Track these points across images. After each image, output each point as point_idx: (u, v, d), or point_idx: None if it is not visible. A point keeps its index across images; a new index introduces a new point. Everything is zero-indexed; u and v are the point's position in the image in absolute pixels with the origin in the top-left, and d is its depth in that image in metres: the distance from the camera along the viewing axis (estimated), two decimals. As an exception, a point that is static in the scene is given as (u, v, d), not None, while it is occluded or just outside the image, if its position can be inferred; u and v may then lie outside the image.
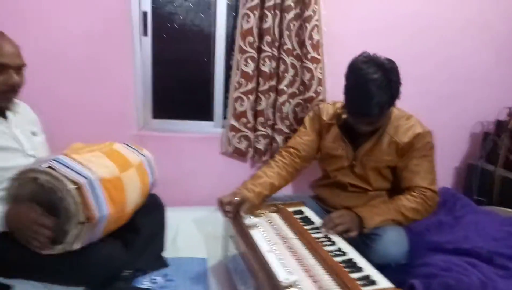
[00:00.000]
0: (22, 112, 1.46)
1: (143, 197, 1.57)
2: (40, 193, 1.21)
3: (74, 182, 1.21)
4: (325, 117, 1.69)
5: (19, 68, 1.32)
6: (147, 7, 2.01)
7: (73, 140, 1.59)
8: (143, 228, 1.52)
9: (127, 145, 1.67)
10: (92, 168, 1.31)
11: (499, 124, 2.19)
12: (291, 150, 1.71)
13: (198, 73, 2.21)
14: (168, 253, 1.62)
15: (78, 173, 1.25)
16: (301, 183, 2.00)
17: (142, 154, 1.67)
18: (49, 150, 1.54)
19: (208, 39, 2.14)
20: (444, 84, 2.28)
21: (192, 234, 1.83)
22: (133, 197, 1.46)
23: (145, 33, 2.05)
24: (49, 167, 1.21)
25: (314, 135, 1.71)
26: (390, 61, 1.44)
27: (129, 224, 1.48)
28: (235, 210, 1.47)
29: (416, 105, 2.17)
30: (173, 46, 2.15)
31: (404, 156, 1.55)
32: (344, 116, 1.61)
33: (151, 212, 1.61)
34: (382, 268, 1.35)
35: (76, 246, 1.21)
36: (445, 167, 2.40)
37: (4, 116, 1.36)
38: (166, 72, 2.17)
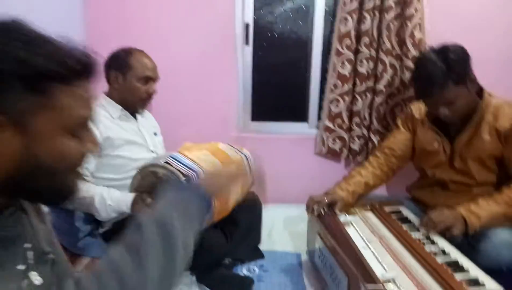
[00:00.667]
0: (147, 116, 1.74)
1: (243, 193, 1.69)
2: (158, 185, 1.41)
3: (185, 175, 1.37)
4: (417, 116, 1.65)
5: (156, 80, 1.61)
6: (249, 19, 2.16)
7: (184, 141, 1.81)
8: (241, 221, 1.64)
9: (230, 145, 1.83)
10: (200, 163, 1.48)
11: None
12: (386, 150, 1.69)
13: (294, 77, 2.30)
14: (264, 246, 1.72)
15: (189, 168, 1.42)
16: (398, 187, 1.93)
17: (242, 153, 1.81)
18: (165, 149, 1.77)
19: (306, 44, 2.21)
20: None
21: (286, 230, 1.91)
22: (235, 192, 1.58)
23: (247, 43, 2.20)
24: (166, 162, 1.40)
25: (408, 133, 1.67)
26: (455, 45, 1.42)
27: (230, 217, 1.61)
28: (319, 210, 1.49)
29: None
30: (272, 53, 2.26)
31: (509, 143, 1.42)
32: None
33: (248, 207, 1.73)
34: (491, 272, 1.26)
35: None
36: None
37: (135, 118, 1.65)
38: (264, 78, 2.29)
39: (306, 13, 2.19)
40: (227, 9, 2.08)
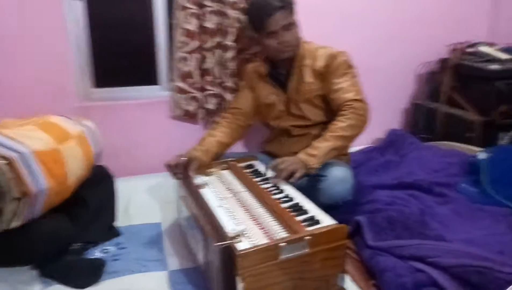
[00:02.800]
0: None
1: (87, 168, 1.52)
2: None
3: (4, 158, 1.15)
4: (253, 73, 1.77)
5: None
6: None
7: (6, 119, 1.51)
8: (90, 200, 1.49)
9: (66, 117, 1.61)
10: (24, 141, 1.25)
11: (442, 62, 2.26)
12: (232, 110, 1.76)
13: (138, 36, 2.11)
14: (120, 222, 1.61)
15: (8, 148, 1.20)
16: (255, 144, 2.01)
17: (82, 125, 1.61)
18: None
19: (146, -2, 2.03)
20: (388, 28, 2.30)
21: (145, 202, 1.81)
22: (75, 169, 1.41)
23: (77, -4, 1.91)
24: (-26, 145, 1.15)
25: (249, 91, 1.77)
26: None
27: (75, 197, 1.45)
28: (182, 170, 1.46)
29: (363, 48, 2.22)
30: (110, 8, 2.02)
31: (326, 80, 1.60)
32: (264, 69, 1.71)
33: (98, 183, 1.58)
34: (331, 208, 1.41)
35: (16, 223, 1.17)
36: (393, 108, 2.48)
37: None
38: (104, 37, 2.05)
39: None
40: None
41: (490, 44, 2.22)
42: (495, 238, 1.26)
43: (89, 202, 1.49)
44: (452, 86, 2.17)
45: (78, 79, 2.00)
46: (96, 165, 1.63)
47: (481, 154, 1.67)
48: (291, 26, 1.58)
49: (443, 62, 2.25)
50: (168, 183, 1.70)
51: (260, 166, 1.61)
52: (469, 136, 1.99)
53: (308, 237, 1.05)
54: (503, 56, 2.07)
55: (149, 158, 2.04)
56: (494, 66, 1.97)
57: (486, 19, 2.47)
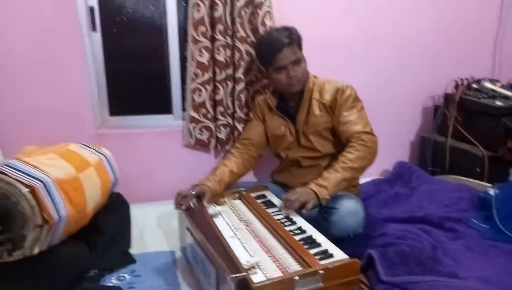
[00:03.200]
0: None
1: (105, 196, 1.56)
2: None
3: (28, 185, 1.19)
4: (264, 105, 1.83)
5: None
6: (94, 1, 1.96)
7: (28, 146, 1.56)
8: (106, 227, 1.52)
9: (84, 145, 1.65)
10: (46, 170, 1.30)
11: (447, 97, 2.31)
12: (244, 141, 1.81)
13: (153, 67, 2.18)
14: (135, 249, 1.63)
15: (31, 176, 1.24)
16: (266, 174, 2.04)
17: (101, 153, 1.66)
18: (3, 157, 1.50)
19: (161, 31, 2.11)
20: (395, 62, 2.37)
21: (159, 229, 1.83)
22: (93, 197, 1.45)
23: (94, 29, 2.00)
24: (0, 172, 1.19)
25: (260, 122, 1.83)
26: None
27: (92, 224, 1.48)
28: (186, 204, 1.50)
29: (370, 82, 2.28)
30: (125, 40, 2.10)
31: (334, 113, 1.65)
32: (273, 99, 1.78)
33: (114, 211, 1.61)
34: (341, 240, 1.43)
35: (36, 250, 1.20)
36: (401, 141, 2.51)
37: None
38: (120, 68, 2.12)
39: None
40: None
41: (493, 81, 2.28)
42: (509, 277, 1.26)
43: (106, 229, 1.51)
44: (457, 121, 2.21)
45: (95, 107, 2.07)
46: (112, 193, 1.67)
47: (492, 190, 1.69)
48: (299, 61, 1.64)
49: (448, 96, 2.30)
50: (180, 212, 1.72)
51: (272, 197, 1.64)
52: (478, 170, 2.02)
53: (321, 271, 1.06)
54: (508, 93, 2.12)
55: (163, 185, 2.07)
56: (501, 103, 2.02)
57: (489, 55, 2.53)
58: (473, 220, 1.63)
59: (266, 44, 1.67)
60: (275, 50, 1.61)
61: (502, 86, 2.21)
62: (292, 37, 1.63)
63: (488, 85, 2.22)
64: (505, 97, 2.10)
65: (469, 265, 1.35)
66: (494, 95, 2.13)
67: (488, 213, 1.63)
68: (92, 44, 2.01)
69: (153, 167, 2.14)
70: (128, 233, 1.64)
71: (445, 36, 2.41)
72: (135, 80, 2.19)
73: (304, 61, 1.68)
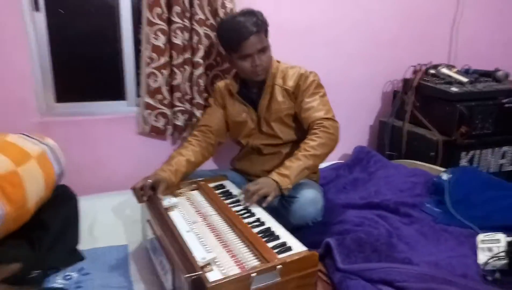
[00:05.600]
0: None
1: (49, 189, 1.45)
2: None
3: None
4: (224, 91, 1.75)
5: None
6: (35, -22, 1.79)
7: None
8: (51, 223, 1.41)
9: (26, 135, 1.52)
10: (-22, 165, 1.17)
11: (406, 82, 2.34)
12: (202, 128, 1.73)
13: (104, 50, 2.05)
14: (84, 245, 1.52)
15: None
16: (225, 161, 1.98)
17: (44, 143, 1.53)
18: None
19: (112, 11, 1.97)
20: (355, 47, 2.36)
21: (111, 222, 1.72)
22: (35, 191, 1.34)
23: (37, 8, 1.83)
24: None
25: (220, 108, 1.75)
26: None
27: (35, 221, 1.36)
28: (147, 193, 1.42)
29: (330, 67, 2.26)
30: (73, 21, 1.94)
31: (296, 99, 1.62)
32: (235, 85, 1.70)
33: (60, 204, 1.50)
34: (301, 229, 1.41)
35: (-32, 254, 1.09)
36: (360, 125, 2.54)
37: None
38: (67, 51, 1.97)
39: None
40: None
41: (450, 66, 2.33)
42: (458, 260, 1.30)
43: (50, 225, 1.40)
44: (415, 106, 2.25)
45: (39, 93, 1.91)
46: (58, 185, 1.55)
47: (445, 175, 1.73)
48: (265, 49, 1.58)
49: (407, 82, 2.33)
50: (135, 202, 1.64)
51: (231, 187, 1.59)
52: (432, 155, 2.07)
53: (279, 266, 1.03)
54: (463, 78, 2.17)
55: (115, 176, 1.97)
56: (456, 89, 2.07)
57: (446, 42, 2.59)
58: (427, 204, 1.67)
59: (231, 30, 1.56)
60: (241, 38, 1.52)
61: (458, 72, 2.26)
62: (259, 24, 1.54)
63: (444, 70, 2.26)
64: (460, 83, 2.15)
65: (422, 250, 1.38)
66: (451, 81, 2.17)
67: (440, 198, 1.68)
68: (35, 25, 1.84)
69: (105, 157, 2.03)
70: (76, 228, 1.54)
71: (405, 22, 2.43)
72: (84, 64, 2.04)
73: (270, 49, 1.62)
